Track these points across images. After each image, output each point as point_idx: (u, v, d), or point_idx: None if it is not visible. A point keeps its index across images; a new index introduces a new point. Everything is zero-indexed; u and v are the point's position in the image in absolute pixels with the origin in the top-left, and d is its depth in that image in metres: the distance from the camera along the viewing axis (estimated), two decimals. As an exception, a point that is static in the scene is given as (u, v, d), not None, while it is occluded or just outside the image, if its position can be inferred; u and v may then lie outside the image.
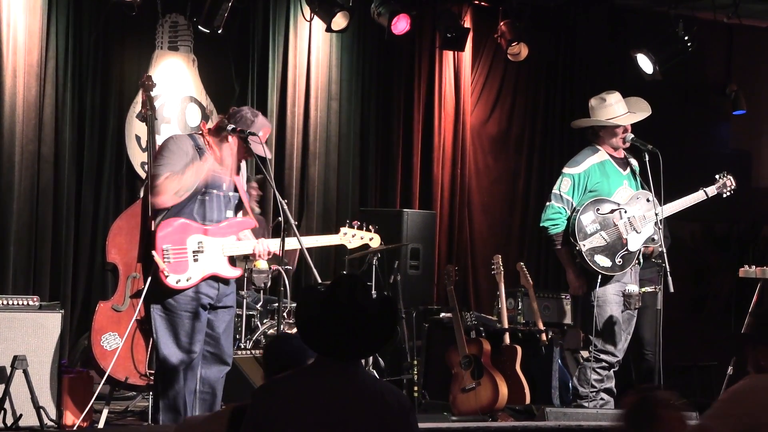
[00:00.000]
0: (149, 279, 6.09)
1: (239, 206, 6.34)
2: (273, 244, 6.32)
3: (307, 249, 6.34)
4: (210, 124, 6.50)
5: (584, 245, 7.10)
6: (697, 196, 7.50)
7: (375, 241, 6.72)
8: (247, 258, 8.33)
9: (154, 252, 6.01)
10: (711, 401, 7.96)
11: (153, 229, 6.06)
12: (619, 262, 7.13)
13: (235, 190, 6.27)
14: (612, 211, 7.17)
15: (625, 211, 7.17)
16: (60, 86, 9.29)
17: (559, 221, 7.17)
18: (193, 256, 6.05)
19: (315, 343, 3.76)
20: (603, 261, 7.11)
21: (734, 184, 7.59)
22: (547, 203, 7.29)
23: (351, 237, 6.61)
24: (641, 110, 7.41)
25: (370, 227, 6.69)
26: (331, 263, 10.34)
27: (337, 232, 6.67)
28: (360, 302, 3.73)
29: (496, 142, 11.68)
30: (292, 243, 6.32)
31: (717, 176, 7.58)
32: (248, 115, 6.21)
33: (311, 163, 10.41)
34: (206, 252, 6.08)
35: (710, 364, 9.57)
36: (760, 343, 4.51)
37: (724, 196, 7.57)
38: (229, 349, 6.30)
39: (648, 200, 7.23)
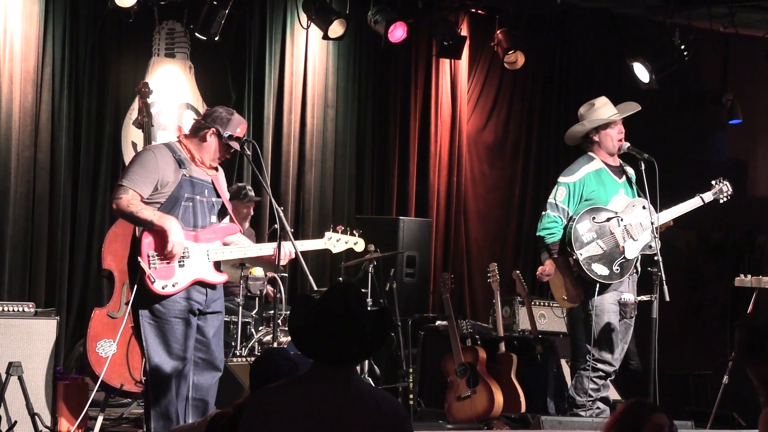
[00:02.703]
0: (136, 286, 6.07)
1: (223, 212, 6.31)
2: (290, 247, 6.28)
3: (301, 256, 6.30)
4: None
5: (581, 254, 7.09)
6: (693, 203, 7.47)
7: (359, 245, 6.68)
8: (243, 265, 8.33)
9: (139, 258, 6.00)
10: (706, 410, 8.02)
11: (138, 235, 6.04)
12: (617, 270, 7.11)
13: (218, 195, 6.26)
14: (608, 220, 7.15)
15: (622, 219, 7.15)
16: (56, 93, 9.29)
17: (555, 230, 7.16)
18: (179, 261, 6.03)
19: (308, 349, 3.76)
20: (600, 269, 7.09)
21: (731, 190, 7.56)
22: (543, 212, 7.28)
23: (335, 241, 6.58)
24: (629, 109, 7.39)
25: (354, 232, 6.66)
26: (327, 270, 10.34)
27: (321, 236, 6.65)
28: (353, 310, 3.73)
29: (493, 150, 11.69)
30: (286, 248, 6.29)
31: (713, 182, 7.54)
32: (224, 114, 6.21)
33: (307, 170, 10.42)
34: (192, 257, 6.04)
35: (705, 372, 9.57)
36: (761, 363, 4.18)
37: (721, 201, 7.54)
38: (220, 354, 6.26)
39: (644, 208, 7.21)
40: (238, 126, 6.19)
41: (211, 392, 6.19)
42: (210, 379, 6.18)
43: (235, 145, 6.21)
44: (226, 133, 6.13)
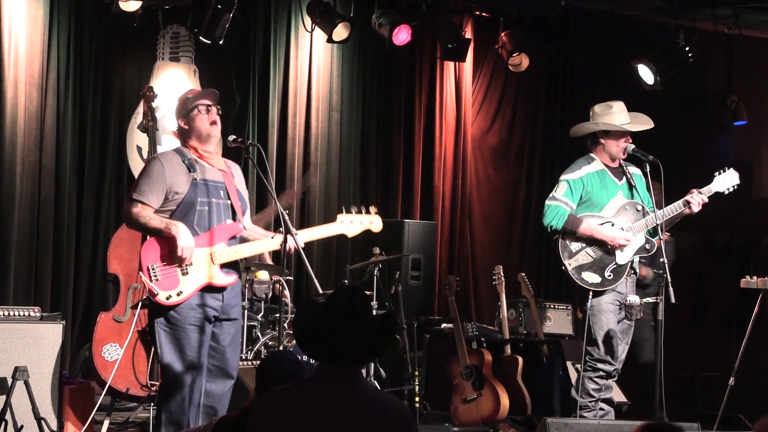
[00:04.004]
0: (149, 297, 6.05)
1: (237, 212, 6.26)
2: (292, 243, 6.20)
3: (306, 259, 6.25)
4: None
5: (570, 264, 7.09)
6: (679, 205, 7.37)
7: (376, 224, 6.42)
8: (248, 269, 8.33)
9: (140, 273, 5.98)
10: (713, 412, 8.02)
11: (142, 243, 6.04)
12: (609, 276, 7.08)
13: (230, 197, 6.21)
14: (599, 225, 7.14)
15: (612, 224, 7.14)
16: (61, 97, 9.30)
17: (559, 212, 7.10)
18: (182, 269, 5.98)
19: (313, 351, 3.77)
20: (591, 277, 7.07)
21: (737, 179, 7.42)
22: (545, 205, 7.23)
23: (349, 224, 6.38)
24: (645, 123, 7.39)
25: (370, 209, 6.42)
26: (332, 273, 10.34)
27: (334, 220, 6.43)
28: (358, 310, 3.74)
29: (497, 152, 11.69)
30: (295, 240, 6.16)
31: (716, 173, 7.45)
32: (180, 102, 6.30)
33: (312, 173, 10.42)
34: (195, 263, 6.00)
35: (711, 374, 9.57)
36: None
37: (726, 193, 7.44)
38: (234, 362, 6.17)
39: (637, 210, 7.20)
40: (188, 94, 6.25)
41: (223, 400, 6.13)
42: (222, 387, 6.13)
43: (237, 144, 6.23)
44: (184, 107, 6.18)
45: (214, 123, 6.18)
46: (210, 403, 6.06)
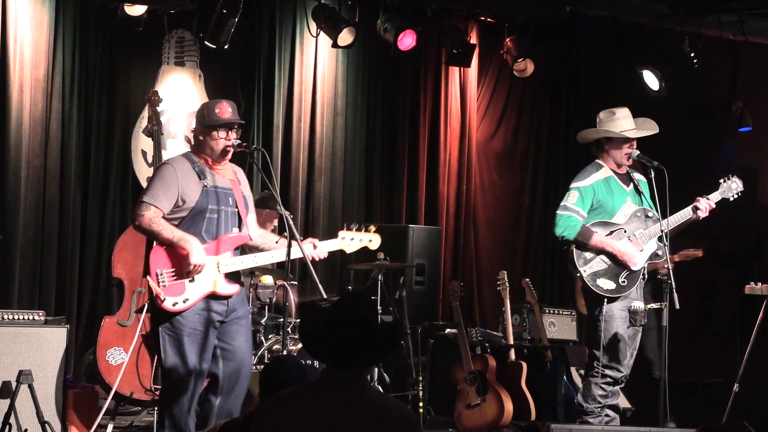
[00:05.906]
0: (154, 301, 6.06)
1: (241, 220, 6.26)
2: (298, 253, 6.23)
3: (312, 263, 6.24)
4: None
5: (585, 271, 7.09)
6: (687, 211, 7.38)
7: (374, 242, 6.51)
8: (252, 273, 8.32)
9: (148, 277, 5.98)
10: (716, 419, 8.01)
11: (148, 251, 6.03)
12: (624, 282, 7.09)
13: (237, 204, 6.21)
14: (611, 233, 7.13)
15: (625, 231, 7.14)
16: (66, 101, 9.31)
17: (572, 222, 7.10)
18: (188, 276, 5.99)
19: (319, 353, 3.78)
20: (606, 284, 7.07)
21: (741, 186, 7.46)
22: (556, 215, 7.22)
23: (349, 240, 6.44)
24: (649, 128, 7.38)
25: (370, 227, 6.49)
26: (337, 277, 10.34)
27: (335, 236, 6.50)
28: (364, 313, 3.75)
29: (502, 158, 11.68)
30: (296, 253, 6.20)
31: (721, 180, 7.47)
32: (198, 109, 6.25)
33: (317, 178, 10.42)
34: (202, 272, 6.03)
35: (715, 381, 9.56)
36: None
37: (731, 199, 7.45)
38: (248, 357, 6.23)
39: (648, 216, 7.20)
40: (216, 108, 6.18)
41: (237, 402, 6.15)
42: (239, 390, 6.14)
43: (242, 149, 6.21)
44: (208, 122, 6.11)
45: (231, 147, 6.17)
46: (227, 406, 6.07)
